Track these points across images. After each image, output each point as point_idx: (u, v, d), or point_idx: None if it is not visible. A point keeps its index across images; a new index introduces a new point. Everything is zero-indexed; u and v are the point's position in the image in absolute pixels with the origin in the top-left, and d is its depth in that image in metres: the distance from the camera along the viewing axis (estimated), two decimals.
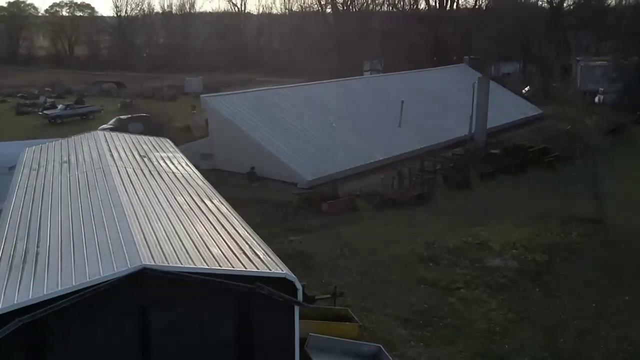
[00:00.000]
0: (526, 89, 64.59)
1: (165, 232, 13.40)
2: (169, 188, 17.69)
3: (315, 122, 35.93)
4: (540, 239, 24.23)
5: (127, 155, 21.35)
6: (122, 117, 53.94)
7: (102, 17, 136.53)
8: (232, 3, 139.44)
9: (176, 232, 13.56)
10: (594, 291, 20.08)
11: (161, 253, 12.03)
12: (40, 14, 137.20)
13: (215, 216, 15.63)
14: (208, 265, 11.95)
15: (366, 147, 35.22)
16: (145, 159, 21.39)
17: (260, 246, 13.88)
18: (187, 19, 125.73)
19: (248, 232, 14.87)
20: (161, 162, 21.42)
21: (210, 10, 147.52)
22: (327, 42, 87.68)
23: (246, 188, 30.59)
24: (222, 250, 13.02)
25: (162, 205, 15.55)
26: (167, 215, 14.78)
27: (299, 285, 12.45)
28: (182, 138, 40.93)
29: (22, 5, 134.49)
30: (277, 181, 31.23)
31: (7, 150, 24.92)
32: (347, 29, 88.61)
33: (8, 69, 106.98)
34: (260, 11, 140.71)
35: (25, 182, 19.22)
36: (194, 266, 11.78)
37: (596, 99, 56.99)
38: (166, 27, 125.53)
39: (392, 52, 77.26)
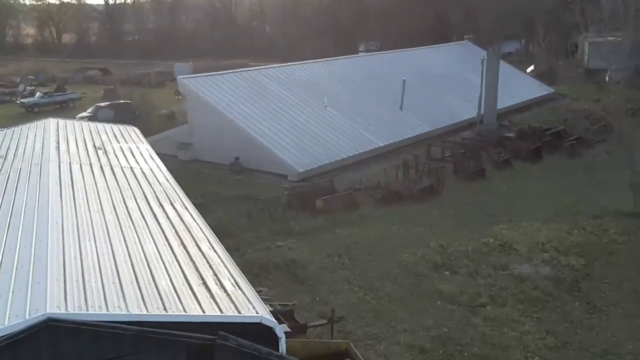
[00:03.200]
0: (530, 68, 60.76)
1: (97, 259, 9.66)
2: (119, 189, 13.95)
3: (308, 106, 32.05)
4: (573, 238, 20.58)
5: (77, 148, 17.57)
6: (100, 104, 50.37)
7: (89, 4, 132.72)
8: None
9: (113, 258, 9.83)
10: None
11: (80, 294, 8.33)
12: (27, 2, 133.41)
13: (174, 228, 11.90)
14: (147, 309, 8.24)
15: (365, 133, 31.39)
16: (100, 152, 17.62)
17: (228, 272, 10.16)
18: (177, 4, 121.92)
19: (215, 250, 11.15)
20: (119, 155, 17.66)
21: None
22: (321, 24, 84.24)
23: (229, 182, 26.78)
24: (175, 282, 9.33)
25: (103, 216, 11.81)
26: (106, 230, 11.04)
27: (280, 333, 8.71)
28: (165, 125, 37.28)
29: None
30: (265, 173, 27.42)
31: None
32: (342, 9, 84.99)
33: None
34: None
35: None
36: (126, 312, 8.07)
37: (607, 77, 53.26)
38: (156, 12, 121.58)
39: (389, 32, 73.67)
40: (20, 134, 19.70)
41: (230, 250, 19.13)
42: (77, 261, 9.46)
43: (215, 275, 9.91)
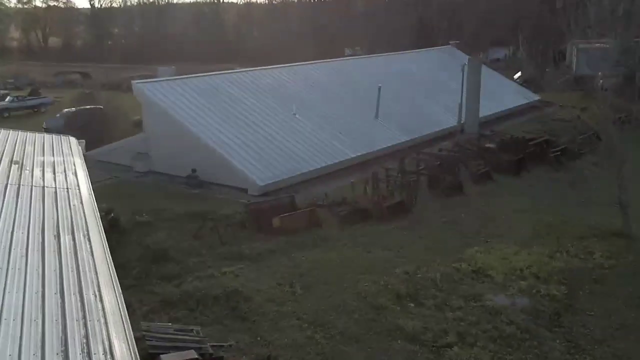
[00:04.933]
0: (517, 75, 58.97)
1: None
2: (14, 215, 11.70)
3: (275, 114, 29.89)
4: (555, 263, 18.64)
5: None
6: (69, 109, 48.22)
7: (76, 8, 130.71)
8: None
9: None
10: (638, 340, 14.55)
11: None
12: (12, 4, 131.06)
13: (59, 267, 9.67)
14: None
15: (335, 143, 29.26)
16: (16, 167, 15.35)
17: (106, 334, 7.93)
18: (165, 8, 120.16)
19: (102, 300, 8.91)
20: (37, 171, 15.37)
21: (189, 0, 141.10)
22: (307, 29, 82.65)
23: (183, 197, 24.56)
24: (23, 350, 7.10)
25: None
26: None
27: None
28: (133, 133, 35.11)
29: None
30: (224, 187, 25.24)
31: None
32: (328, 14, 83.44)
33: None
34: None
35: None
36: None
37: (599, 84, 51.44)
38: (143, 16, 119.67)
39: (374, 38, 72.07)
40: None
41: (168, 278, 17.09)
42: None
43: (86, 338, 7.69)
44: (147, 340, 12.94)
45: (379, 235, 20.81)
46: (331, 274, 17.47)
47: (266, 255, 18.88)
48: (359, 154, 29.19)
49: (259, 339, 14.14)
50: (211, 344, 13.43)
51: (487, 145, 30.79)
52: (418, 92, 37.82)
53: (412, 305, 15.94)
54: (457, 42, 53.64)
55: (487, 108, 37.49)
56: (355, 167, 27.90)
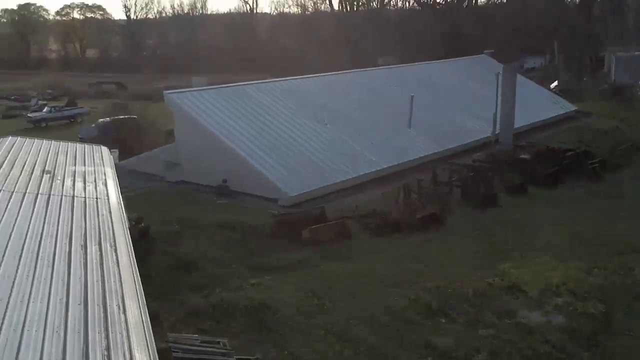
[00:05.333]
0: (554, 84, 57.89)
1: None
2: (43, 224, 11.72)
3: (306, 124, 29.75)
4: (593, 279, 17.96)
5: (21, 172, 15.41)
6: (103, 119, 48.91)
7: (113, 19, 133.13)
8: (244, 1, 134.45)
9: None
10: None
11: None
12: (51, 17, 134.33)
13: (84, 277, 9.60)
14: None
15: (367, 154, 28.98)
16: (47, 176, 15.45)
17: (128, 347, 7.80)
18: (198, 19, 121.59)
19: (124, 312, 8.80)
20: (67, 180, 15.45)
21: (223, 11, 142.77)
22: (339, 39, 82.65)
23: (213, 207, 24.52)
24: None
25: (1, 261, 9.56)
26: None
27: None
28: (165, 142, 35.33)
29: (33, 7, 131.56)
30: (254, 197, 25.12)
31: None
32: (359, 24, 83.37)
33: (17, 72, 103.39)
34: (273, 9, 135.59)
35: None
36: None
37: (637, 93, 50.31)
38: (177, 27, 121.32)
39: (407, 47, 71.68)
40: None
41: (196, 288, 16.98)
42: None
43: (107, 350, 7.57)
44: (173, 351, 12.80)
45: (410, 247, 20.45)
46: (361, 287, 17.17)
47: (294, 266, 18.67)
48: (391, 164, 28.86)
49: (286, 352, 13.92)
50: (238, 357, 13.23)
51: (522, 156, 30.16)
52: (451, 102, 37.33)
53: (443, 320, 15.54)
54: (492, 51, 52.98)
55: (522, 118, 36.79)
56: (387, 178, 27.56)
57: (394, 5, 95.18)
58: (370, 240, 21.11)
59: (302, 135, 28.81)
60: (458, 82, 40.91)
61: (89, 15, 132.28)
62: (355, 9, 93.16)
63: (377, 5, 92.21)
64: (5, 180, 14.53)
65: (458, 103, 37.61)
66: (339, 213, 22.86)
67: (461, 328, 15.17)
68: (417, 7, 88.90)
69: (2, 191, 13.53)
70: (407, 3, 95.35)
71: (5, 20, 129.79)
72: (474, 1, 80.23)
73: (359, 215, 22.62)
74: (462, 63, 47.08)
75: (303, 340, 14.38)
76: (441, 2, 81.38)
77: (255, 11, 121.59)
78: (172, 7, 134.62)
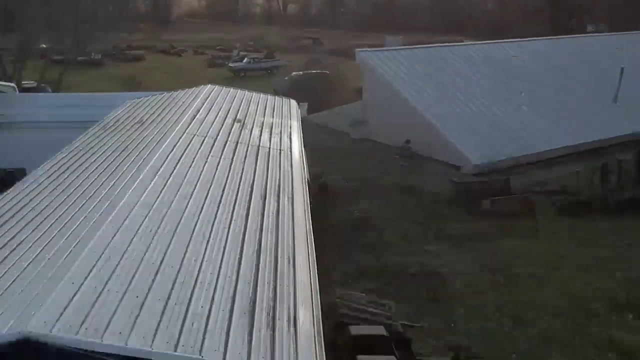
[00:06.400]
0: None
1: (140, 261, 7.97)
2: (228, 172, 12.31)
3: (498, 91, 28.29)
4: None
5: (215, 119, 16.33)
6: (297, 73, 50.62)
7: None
8: None
9: (160, 261, 8.09)
10: None
11: (84, 308, 6.66)
12: None
13: (260, 230, 9.91)
14: (154, 344, 6.35)
15: (563, 126, 26.95)
16: (237, 125, 16.23)
17: (293, 304, 7.94)
18: None
19: (294, 265, 8.97)
20: (255, 130, 16.12)
21: None
22: (545, 2, 77.46)
23: (394, 167, 24.33)
24: (214, 308, 7.32)
25: (186, 204, 10.18)
26: (176, 223, 9.36)
27: None
28: (355, 99, 35.77)
29: None
30: (436, 162, 24.53)
31: (106, 101, 21.28)
32: None
33: (225, 24, 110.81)
34: None
35: (74, 146, 15.08)
36: (122, 345, 6.24)
37: None
38: None
39: (621, 13, 65.28)
40: (171, 100, 19.10)
41: (368, 248, 17.03)
42: (115, 258, 7.85)
43: (274, 301, 7.75)
44: (339, 308, 12.97)
45: (602, 232, 18.77)
46: (540, 268, 16.13)
47: (471, 237, 17.99)
48: (589, 140, 26.57)
49: (452, 325, 13.53)
50: (402, 322, 13.10)
51: None
52: None
53: (630, 316, 14.12)
54: None
55: None
56: (583, 155, 25.46)
57: None
58: (556, 219, 19.71)
59: (494, 103, 27.48)
60: None
61: None
62: None
63: None
64: (200, 125, 15.46)
65: None
66: (525, 187, 21.60)
67: None
68: None
69: (196, 135, 14.42)
70: None
71: None
72: None
73: (547, 191, 21.20)
74: None
75: (472, 316, 13.87)
76: None
77: None
78: None
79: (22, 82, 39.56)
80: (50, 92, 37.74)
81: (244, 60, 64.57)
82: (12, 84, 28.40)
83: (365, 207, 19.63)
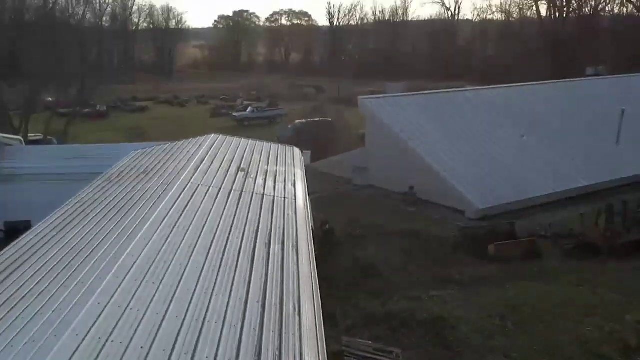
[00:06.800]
0: None
1: (145, 311, 7.94)
2: (232, 220, 12.32)
3: (501, 134, 28.54)
4: None
5: (219, 168, 16.42)
6: (300, 121, 51.25)
7: (317, 25, 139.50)
8: (446, 7, 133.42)
9: (165, 311, 8.04)
10: None
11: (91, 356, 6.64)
12: (261, 23, 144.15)
13: (265, 276, 9.88)
14: None
15: (566, 169, 27.05)
16: (242, 174, 16.31)
17: (299, 348, 7.85)
18: (399, 25, 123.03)
19: (299, 314, 8.89)
20: (259, 178, 16.17)
21: (424, 18, 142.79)
22: (544, 47, 78.61)
23: (398, 214, 24.35)
24: (219, 357, 7.26)
25: (190, 254, 10.15)
26: (182, 272, 9.34)
27: None
28: (358, 146, 36.04)
29: (246, 14, 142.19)
30: (441, 207, 24.56)
31: (110, 153, 21.46)
32: (568, 30, 78.58)
33: (229, 74, 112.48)
34: (476, 16, 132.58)
35: (79, 197, 15.15)
36: None
37: None
38: (377, 33, 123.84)
39: (621, 57, 66.15)
40: (175, 150, 19.26)
41: (374, 294, 16.91)
42: (119, 309, 7.81)
43: (279, 350, 7.67)
44: (345, 356, 12.82)
45: (609, 275, 18.64)
46: (548, 312, 15.95)
47: (478, 282, 17.90)
48: (593, 182, 26.67)
49: None
50: None
51: None
52: None
53: None
54: None
55: None
56: (587, 197, 25.51)
57: (609, 12, 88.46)
58: (563, 263, 19.62)
59: (497, 147, 27.68)
60: None
61: (295, 22, 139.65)
62: (564, 15, 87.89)
63: (589, 12, 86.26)
64: (205, 175, 15.54)
65: None
66: (530, 230, 21.55)
67: None
68: (637, 14, 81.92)
69: (201, 185, 14.48)
70: (625, 9, 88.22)
71: (221, 26, 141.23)
72: None
73: (553, 235, 21.13)
74: None
75: None
76: None
77: (457, 18, 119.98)
78: (374, 13, 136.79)
79: (29, 135, 40.08)
80: (56, 145, 38.15)
81: (248, 110, 65.48)
82: (19, 137, 28.73)
83: (371, 253, 19.57)
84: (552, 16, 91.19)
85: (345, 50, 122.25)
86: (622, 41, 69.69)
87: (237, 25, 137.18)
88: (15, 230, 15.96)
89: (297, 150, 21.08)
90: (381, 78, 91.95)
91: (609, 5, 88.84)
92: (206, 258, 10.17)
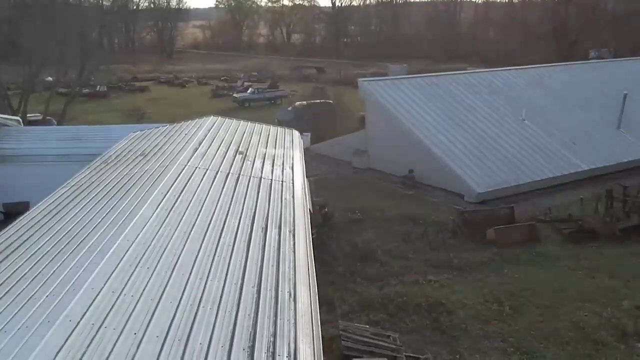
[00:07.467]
0: None
1: (139, 296, 7.92)
2: (229, 203, 12.27)
3: (501, 118, 28.39)
4: None
5: (217, 151, 16.35)
6: (300, 103, 50.87)
7: (319, 6, 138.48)
8: None
9: (159, 297, 8.02)
10: None
11: (84, 342, 6.63)
12: (262, 3, 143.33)
13: (261, 261, 9.85)
14: None
15: (566, 153, 26.94)
16: (239, 157, 16.24)
17: (294, 336, 7.83)
18: (401, 7, 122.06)
19: (294, 299, 8.87)
20: (257, 161, 16.10)
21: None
22: (547, 30, 78.06)
23: (397, 197, 24.29)
24: (213, 343, 7.24)
25: (186, 239, 10.12)
26: (177, 257, 9.31)
27: None
28: (358, 128, 35.91)
29: None
30: (440, 190, 24.51)
31: (109, 134, 21.40)
32: (571, 14, 77.97)
33: (230, 55, 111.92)
34: None
35: (77, 179, 15.11)
36: None
37: None
38: (379, 15, 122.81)
39: (625, 40, 65.75)
40: (174, 132, 19.18)
41: (371, 278, 16.91)
42: (113, 294, 7.79)
43: (274, 337, 7.64)
44: (342, 340, 12.82)
45: (608, 260, 18.61)
46: (545, 297, 15.96)
47: (475, 267, 17.88)
48: (593, 167, 26.58)
49: (457, 356, 13.34)
50: (407, 354, 12.94)
51: None
52: None
53: (638, 345, 13.92)
54: None
55: None
56: (587, 182, 25.45)
57: None
58: (562, 247, 19.57)
59: (496, 130, 27.54)
60: None
61: (297, 2, 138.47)
62: None
63: None
64: (202, 158, 15.48)
65: None
66: (529, 214, 21.50)
67: None
68: None
69: (198, 168, 14.42)
70: None
71: (222, 6, 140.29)
72: None
73: (552, 219, 21.07)
74: None
75: (477, 347, 13.69)
76: None
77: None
78: None
79: (27, 115, 39.91)
80: (55, 125, 38.02)
81: (248, 91, 65.07)
82: (17, 117, 28.61)
83: (369, 237, 19.53)
84: None
85: (347, 32, 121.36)
86: (625, 25, 69.13)
87: (238, 6, 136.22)
88: (14, 211, 15.98)
89: (296, 133, 20.97)
90: (383, 60, 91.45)
91: None
92: (202, 243, 10.13)
